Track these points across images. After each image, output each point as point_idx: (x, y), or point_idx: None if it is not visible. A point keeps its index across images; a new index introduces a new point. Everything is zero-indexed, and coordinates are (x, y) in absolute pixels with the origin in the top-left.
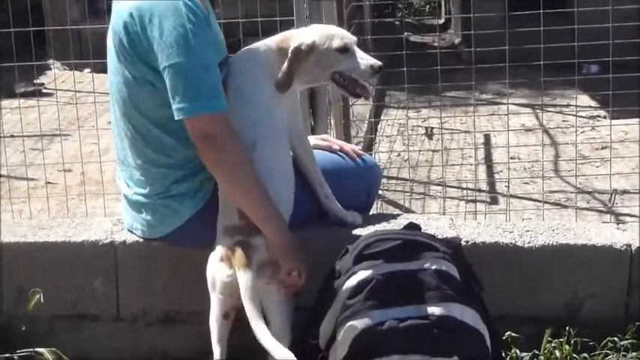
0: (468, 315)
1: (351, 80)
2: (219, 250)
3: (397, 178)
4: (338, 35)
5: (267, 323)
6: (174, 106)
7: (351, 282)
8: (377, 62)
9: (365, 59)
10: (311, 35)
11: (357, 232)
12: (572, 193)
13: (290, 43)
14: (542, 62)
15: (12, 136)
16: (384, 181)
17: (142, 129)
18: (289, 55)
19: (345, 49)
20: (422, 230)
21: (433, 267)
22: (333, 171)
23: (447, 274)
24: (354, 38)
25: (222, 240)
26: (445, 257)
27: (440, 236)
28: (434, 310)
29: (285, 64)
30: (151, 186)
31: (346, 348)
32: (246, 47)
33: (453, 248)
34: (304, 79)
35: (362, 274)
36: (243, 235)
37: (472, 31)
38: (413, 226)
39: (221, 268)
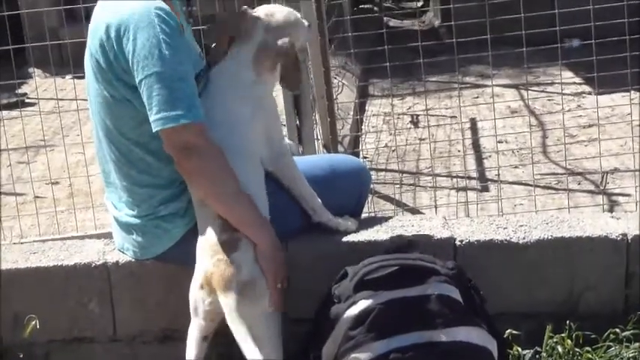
0: (473, 336)
1: None
2: (198, 276)
3: (386, 170)
4: (296, 18)
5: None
6: (151, 119)
7: (352, 311)
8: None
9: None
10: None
11: (351, 238)
12: (562, 175)
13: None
14: (524, 46)
15: None
16: (373, 174)
17: (124, 149)
18: (284, 62)
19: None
20: (417, 243)
21: (436, 292)
22: (322, 178)
23: (450, 299)
24: None
25: (201, 262)
26: (447, 280)
27: (434, 237)
28: (439, 336)
29: (286, 72)
30: (139, 207)
31: None
32: (221, 64)
33: (454, 268)
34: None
35: (363, 304)
36: (224, 251)
37: (451, 5)
38: (412, 245)
39: (202, 295)
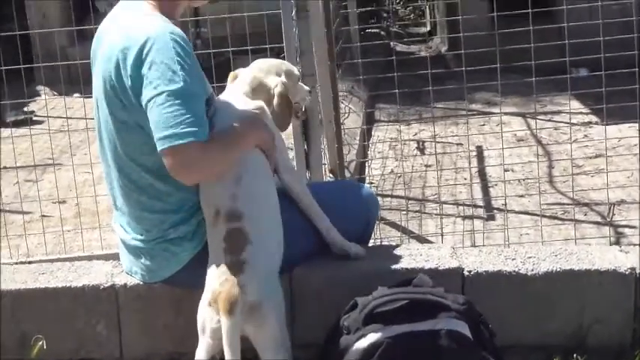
0: None
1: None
2: (207, 294)
3: (392, 196)
4: (291, 67)
5: None
6: (158, 135)
7: (362, 344)
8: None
9: (304, 86)
10: (279, 74)
11: (359, 266)
12: (569, 205)
13: (262, 84)
14: (533, 75)
15: (4, 167)
16: (378, 200)
17: (135, 176)
18: (278, 100)
19: (299, 79)
20: (429, 279)
21: (445, 328)
22: (330, 204)
23: (459, 335)
24: None
25: (210, 282)
26: (457, 316)
27: (442, 267)
28: None
29: (280, 110)
30: (148, 232)
31: None
32: (224, 94)
33: (465, 303)
34: None
35: (372, 337)
36: (229, 273)
37: (461, 33)
38: (423, 280)
39: (210, 314)
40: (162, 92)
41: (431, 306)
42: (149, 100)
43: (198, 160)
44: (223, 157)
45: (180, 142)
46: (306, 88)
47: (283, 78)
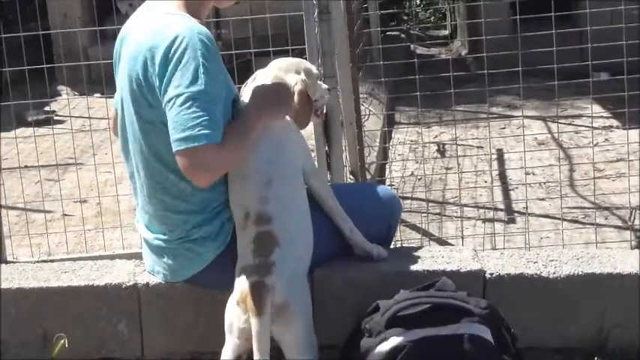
0: None
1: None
2: (236, 293)
3: (412, 199)
4: (310, 66)
5: None
6: (174, 137)
7: (384, 347)
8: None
9: (323, 85)
10: (298, 72)
11: (381, 268)
12: (589, 209)
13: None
14: (556, 79)
15: (26, 166)
16: None
17: (159, 176)
18: (298, 97)
19: (318, 77)
20: (452, 283)
21: (468, 332)
22: (352, 206)
23: (482, 339)
24: None
25: (239, 282)
26: (479, 321)
27: (463, 269)
28: None
29: (300, 108)
30: (172, 232)
31: None
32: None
33: (487, 308)
34: None
35: (394, 341)
36: (258, 274)
37: (483, 36)
38: (445, 284)
39: (237, 313)
40: (183, 93)
41: (453, 310)
42: (169, 100)
43: (211, 163)
44: (236, 156)
45: (194, 144)
46: (325, 86)
47: (303, 76)
